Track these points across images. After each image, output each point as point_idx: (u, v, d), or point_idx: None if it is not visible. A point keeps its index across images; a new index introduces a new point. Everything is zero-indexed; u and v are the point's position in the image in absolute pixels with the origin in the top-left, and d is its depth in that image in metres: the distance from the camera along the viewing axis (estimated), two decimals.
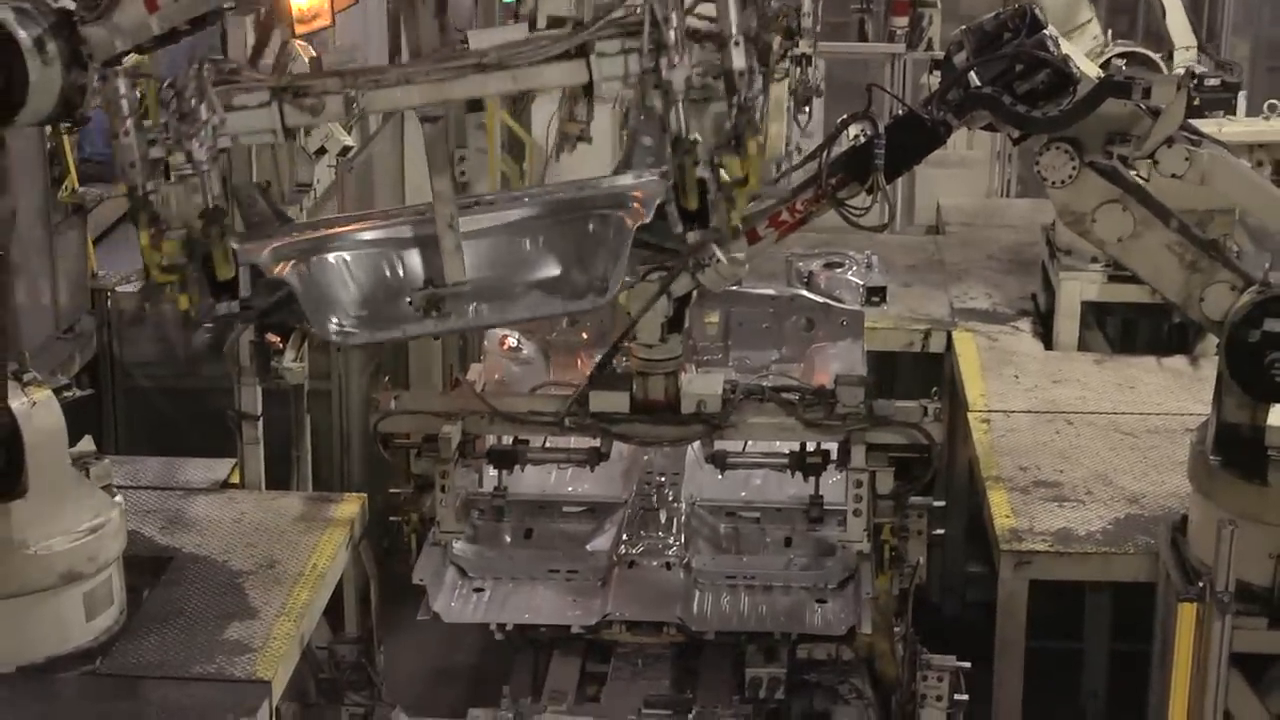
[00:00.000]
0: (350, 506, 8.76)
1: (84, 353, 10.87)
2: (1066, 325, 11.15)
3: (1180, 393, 10.29)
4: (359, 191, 11.34)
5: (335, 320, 6.53)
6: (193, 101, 5.67)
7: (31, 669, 7.25)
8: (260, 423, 9.25)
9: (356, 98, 5.61)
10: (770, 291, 9.87)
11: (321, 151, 10.19)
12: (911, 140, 7.49)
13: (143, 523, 8.53)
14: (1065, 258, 11.22)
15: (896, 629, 8.20)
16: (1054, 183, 7.47)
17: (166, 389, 11.09)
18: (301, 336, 9.27)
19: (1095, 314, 11.31)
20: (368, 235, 6.44)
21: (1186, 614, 7.44)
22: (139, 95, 6.08)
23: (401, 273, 6.55)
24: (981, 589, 10.36)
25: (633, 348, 7.93)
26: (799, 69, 8.91)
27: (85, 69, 6.40)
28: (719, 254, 6.49)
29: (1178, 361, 10.79)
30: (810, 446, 8.32)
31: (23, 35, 6.24)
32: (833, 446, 8.24)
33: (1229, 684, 7.40)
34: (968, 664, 7.41)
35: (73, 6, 6.43)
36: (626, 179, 6.56)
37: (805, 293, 9.85)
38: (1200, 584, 7.45)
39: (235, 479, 9.29)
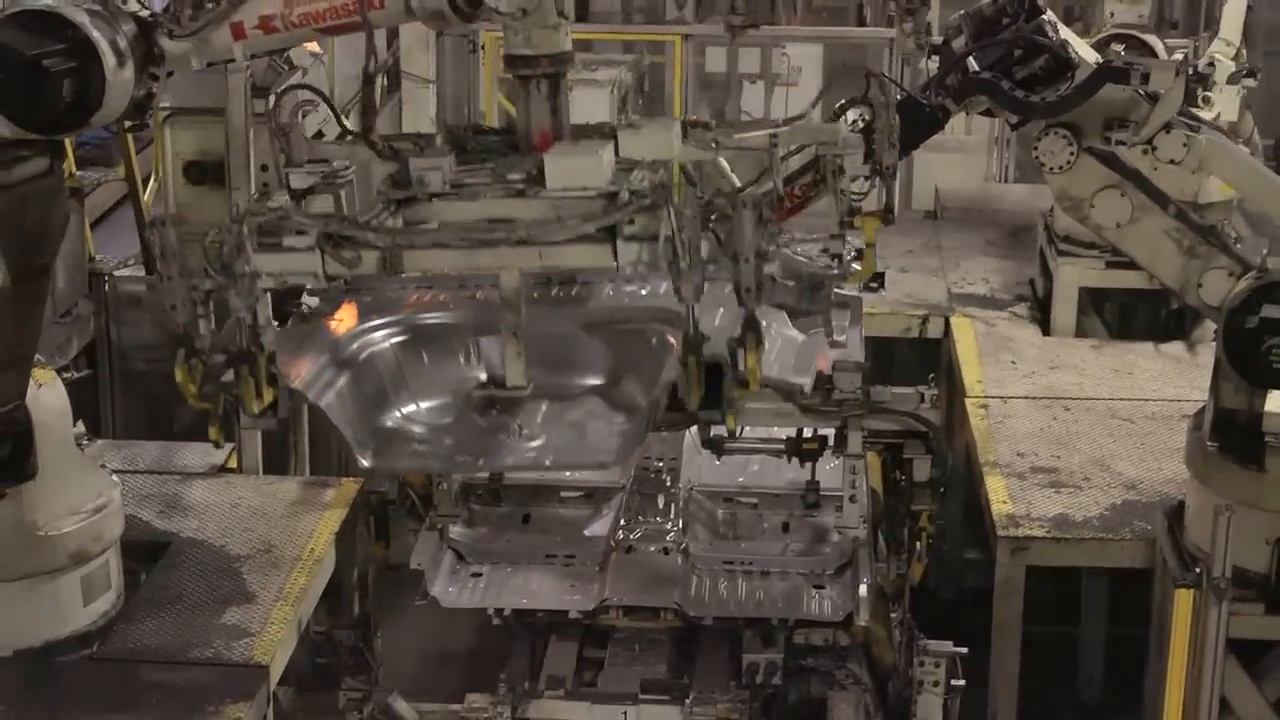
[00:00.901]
0: (347, 491, 8.76)
1: (81, 336, 10.87)
2: (1064, 311, 11.15)
3: (1177, 379, 10.29)
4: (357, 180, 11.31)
5: (373, 448, 6.61)
6: (235, 256, 5.83)
7: (29, 653, 7.27)
8: None
9: (393, 259, 5.78)
10: None
11: (319, 135, 10.17)
12: (910, 125, 7.48)
13: (140, 507, 8.53)
14: (1063, 243, 11.22)
15: (893, 615, 8.21)
16: (1052, 168, 7.46)
17: (164, 373, 11.04)
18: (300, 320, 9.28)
19: (1093, 300, 11.30)
20: (410, 333, 6.48)
21: (1183, 600, 7.46)
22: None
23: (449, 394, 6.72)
24: (978, 574, 10.36)
25: None
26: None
27: (156, 78, 6.49)
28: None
29: (1175, 347, 10.79)
30: (808, 432, 8.31)
31: (98, 37, 6.29)
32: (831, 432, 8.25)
33: (1225, 670, 7.41)
34: (964, 649, 7.42)
35: (138, 9, 6.50)
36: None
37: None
38: (1197, 570, 7.46)
39: (232, 464, 9.29)
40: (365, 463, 6.55)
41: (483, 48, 14.20)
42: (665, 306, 6.92)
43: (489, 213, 6.02)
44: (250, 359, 5.99)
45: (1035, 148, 7.45)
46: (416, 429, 6.65)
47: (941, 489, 7.96)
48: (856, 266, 7.69)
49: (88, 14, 6.29)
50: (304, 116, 9.99)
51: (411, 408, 6.76)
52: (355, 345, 6.65)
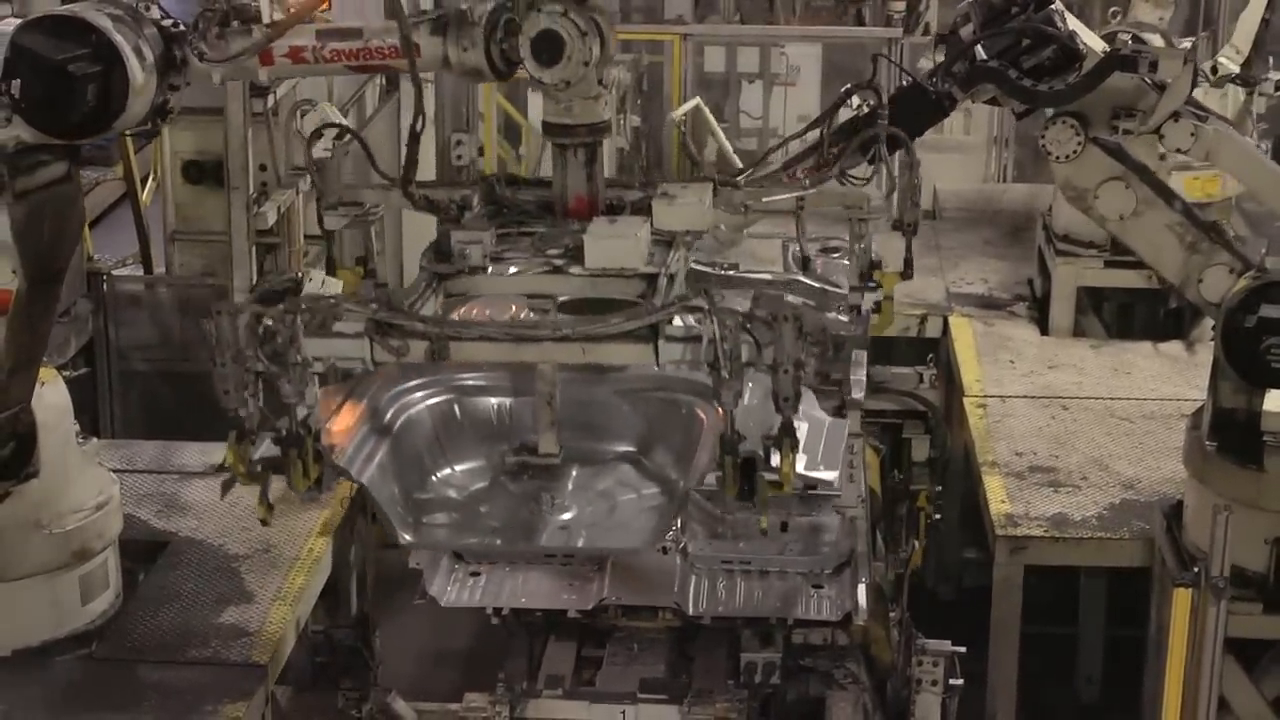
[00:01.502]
0: (346, 490, 8.75)
1: (80, 336, 10.84)
2: (1062, 310, 11.15)
3: (1176, 378, 10.29)
4: (356, 172, 11.32)
5: (413, 522, 6.69)
6: (287, 344, 5.90)
7: (27, 652, 7.27)
8: None
9: (439, 349, 5.84)
10: (767, 276, 9.85)
11: (318, 135, 10.17)
12: (915, 111, 7.45)
13: (138, 506, 8.53)
14: (1062, 243, 11.22)
15: (892, 614, 8.20)
16: (1058, 157, 7.44)
17: (163, 373, 11.06)
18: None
19: (1091, 299, 11.30)
20: (447, 394, 6.52)
21: (1181, 599, 7.45)
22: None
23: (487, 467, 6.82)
24: (977, 574, 10.36)
25: None
26: None
27: (176, 87, 6.52)
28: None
29: (1174, 347, 10.79)
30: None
31: (121, 42, 6.30)
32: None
33: (1223, 669, 7.41)
34: (963, 649, 7.41)
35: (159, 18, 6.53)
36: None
37: (802, 277, 9.82)
38: (1195, 569, 7.46)
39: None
40: (406, 538, 6.59)
41: None
42: (697, 379, 6.92)
43: (528, 288, 6.17)
44: (299, 442, 6.05)
45: (1042, 136, 7.43)
46: (452, 495, 6.72)
47: (941, 469, 7.93)
48: (875, 318, 7.71)
49: (110, 19, 6.31)
50: (303, 116, 10.04)
51: (447, 472, 6.83)
52: (393, 410, 6.68)
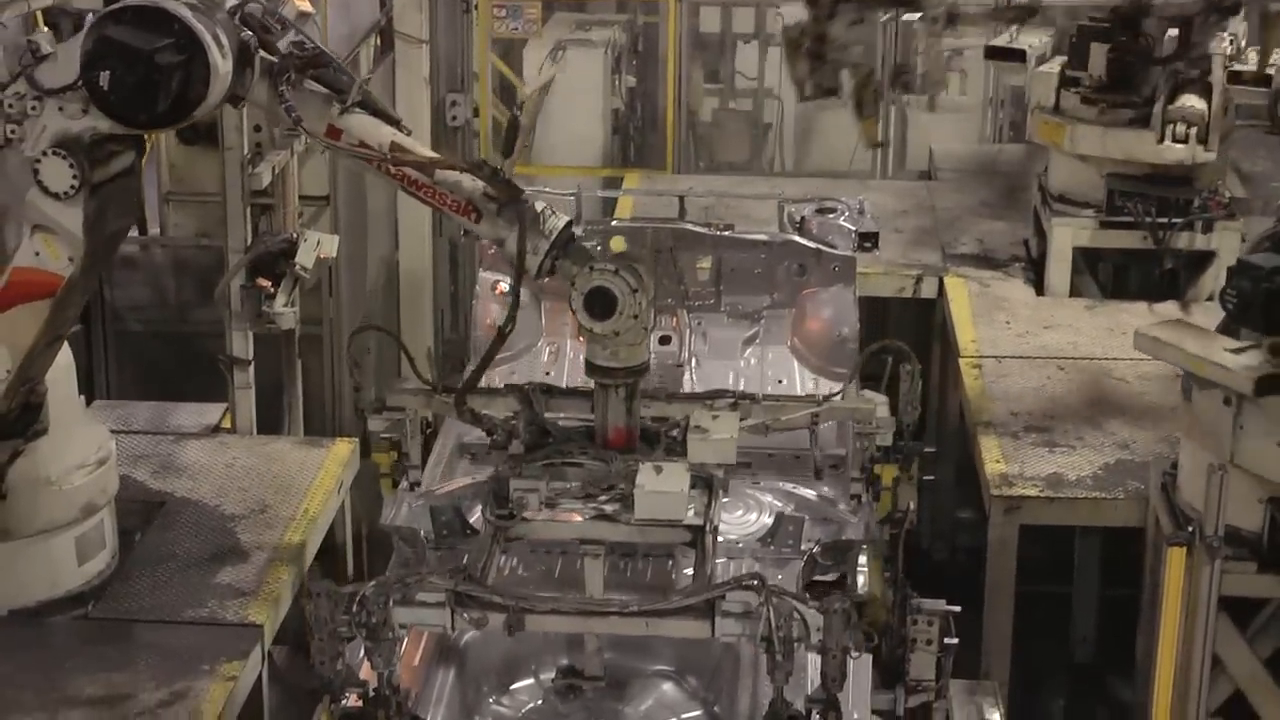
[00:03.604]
0: (342, 450, 8.77)
1: None
2: (1058, 271, 11.15)
3: None
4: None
5: None
6: (380, 626, 6.18)
7: (23, 613, 7.28)
8: (251, 367, 9.25)
9: (514, 621, 6.16)
10: (762, 237, 9.85)
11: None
12: None
13: (134, 467, 8.53)
14: (1057, 203, 11.21)
15: (886, 574, 8.21)
16: None
17: (158, 334, 11.07)
18: (294, 281, 9.27)
19: (1087, 260, 11.30)
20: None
21: (1176, 558, 7.47)
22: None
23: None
24: (972, 534, 10.40)
25: None
26: None
27: (248, 68, 6.57)
28: None
29: (1169, 307, 10.77)
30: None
31: (201, 29, 6.33)
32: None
33: (1217, 628, 7.43)
34: (958, 609, 7.41)
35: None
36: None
37: (797, 238, 9.83)
38: (1190, 529, 7.47)
39: (227, 424, 9.29)
40: None
41: (476, 7, 14.16)
42: None
43: (581, 534, 6.58)
44: (386, 703, 6.27)
45: None
46: (505, 713, 6.88)
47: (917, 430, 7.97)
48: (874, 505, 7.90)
49: (188, 7, 6.34)
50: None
51: (502, 690, 6.96)
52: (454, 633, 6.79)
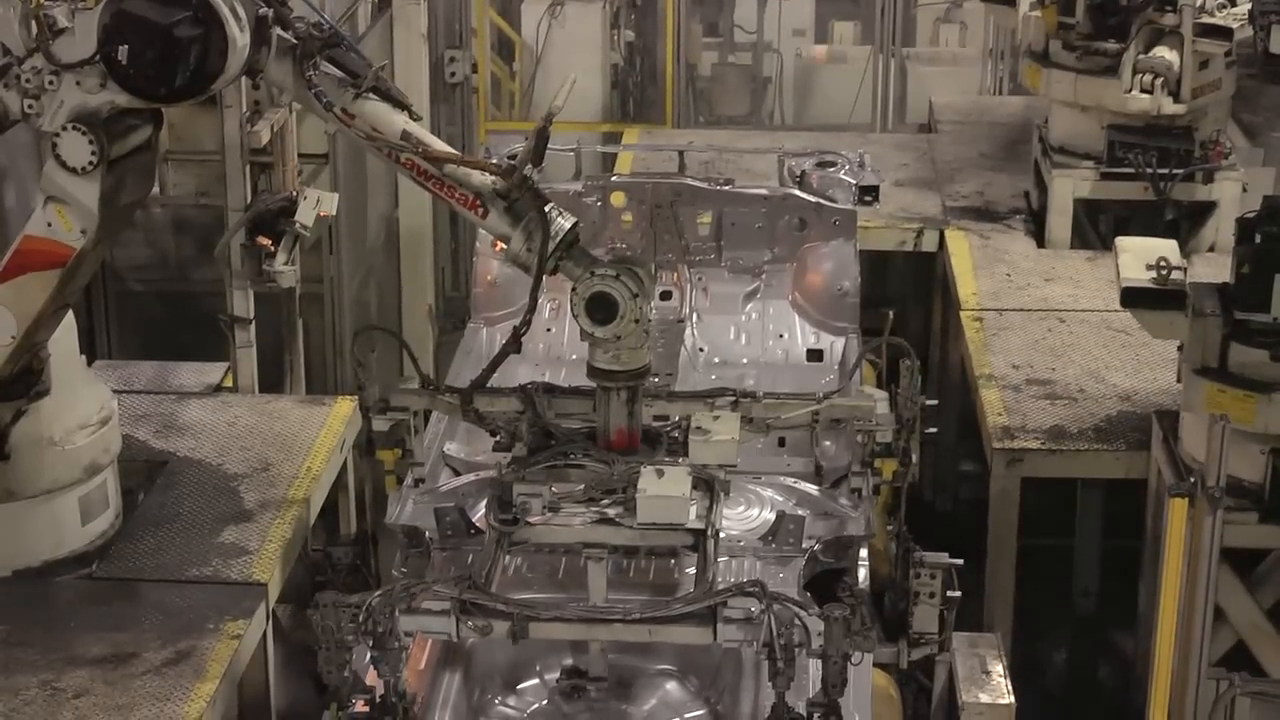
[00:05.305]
0: (344, 408, 8.77)
1: None
2: (1059, 223, 11.12)
3: None
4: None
5: None
6: (387, 637, 6.20)
7: (28, 573, 7.30)
8: (252, 326, 9.25)
9: (518, 629, 6.18)
10: (763, 191, 9.83)
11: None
12: None
13: (136, 427, 8.54)
14: (1058, 155, 11.17)
15: (889, 527, 8.23)
16: None
17: (158, 293, 11.07)
18: (294, 239, 9.26)
19: (1088, 211, 11.27)
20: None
21: (1178, 509, 7.48)
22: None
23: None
24: (974, 487, 10.40)
25: None
26: None
27: (264, 42, 6.56)
28: None
29: None
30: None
31: (219, 2, 6.32)
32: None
33: (1219, 579, 7.44)
34: (960, 561, 7.43)
35: None
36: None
37: (798, 192, 9.80)
38: (1191, 479, 7.48)
39: (228, 383, 9.30)
40: None
41: None
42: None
43: (584, 538, 6.55)
44: (394, 710, 6.29)
45: None
46: (511, 714, 6.88)
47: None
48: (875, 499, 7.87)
49: None
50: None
51: (508, 691, 6.96)
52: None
